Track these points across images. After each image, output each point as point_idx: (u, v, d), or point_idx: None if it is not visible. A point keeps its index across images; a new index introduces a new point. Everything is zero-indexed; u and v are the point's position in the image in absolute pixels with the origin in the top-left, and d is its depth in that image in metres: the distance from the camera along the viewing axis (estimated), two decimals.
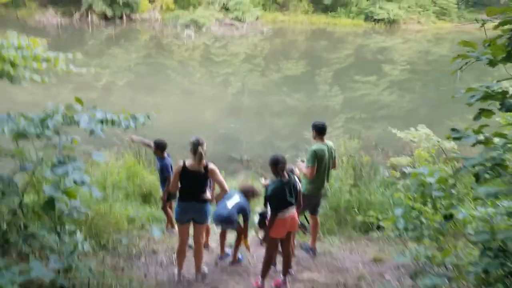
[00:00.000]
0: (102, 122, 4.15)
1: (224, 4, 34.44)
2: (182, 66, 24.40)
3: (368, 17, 38.23)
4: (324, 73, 23.99)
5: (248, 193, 5.82)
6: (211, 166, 5.12)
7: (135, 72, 22.45)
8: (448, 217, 3.53)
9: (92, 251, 5.38)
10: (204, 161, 5.09)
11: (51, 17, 30.74)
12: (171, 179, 5.31)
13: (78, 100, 3.93)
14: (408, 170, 4.23)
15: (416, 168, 3.92)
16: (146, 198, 7.95)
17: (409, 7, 39.29)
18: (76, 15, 31.53)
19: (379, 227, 6.56)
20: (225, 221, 5.54)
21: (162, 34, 31.58)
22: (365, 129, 13.86)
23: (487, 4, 42.26)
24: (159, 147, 6.55)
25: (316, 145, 5.94)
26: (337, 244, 6.54)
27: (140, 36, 31.09)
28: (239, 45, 30.07)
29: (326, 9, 38.66)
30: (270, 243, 5.14)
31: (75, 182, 3.39)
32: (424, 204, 3.68)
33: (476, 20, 2.94)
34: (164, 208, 6.64)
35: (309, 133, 11.19)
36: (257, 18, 34.64)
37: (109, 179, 7.75)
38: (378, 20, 37.73)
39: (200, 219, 5.27)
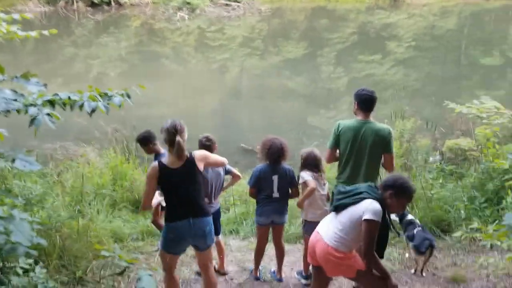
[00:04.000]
0: (51, 103, 2.87)
1: None
2: (177, 53, 23.12)
3: None
4: (326, 53, 22.78)
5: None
6: (198, 153, 3.76)
7: (127, 62, 21.15)
8: None
9: None
10: (185, 154, 3.70)
11: (34, 6, 28.71)
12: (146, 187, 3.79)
13: None
14: None
15: None
16: (138, 205, 6.67)
17: None
18: (61, 3, 29.63)
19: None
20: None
21: (153, 19, 30.02)
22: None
23: None
24: (142, 142, 5.16)
25: (346, 121, 4.43)
26: (397, 258, 5.27)
27: (130, 22, 29.54)
28: (236, 28, 28.67)
29: None
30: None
31: None
32: None
33: None
34: (155, 222, 5.31)
35: (314, 118, 9.64)
36: None
37: (88, 184, 6.39)
38: None
39: (203, 244, 3.88)
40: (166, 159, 3.79)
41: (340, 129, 4.37)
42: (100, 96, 3.08)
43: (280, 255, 4.86)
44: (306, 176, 4.56)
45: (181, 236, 3.75)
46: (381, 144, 4.28)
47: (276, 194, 4.62)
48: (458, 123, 8.15)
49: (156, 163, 3.79)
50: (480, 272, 4.87)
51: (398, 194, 3.33)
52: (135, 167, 7.51)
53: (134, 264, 4.07)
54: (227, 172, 4.86)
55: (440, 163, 6.94)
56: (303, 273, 4.86)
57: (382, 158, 4.41)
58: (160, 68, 19.84)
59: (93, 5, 30.11)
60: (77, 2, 29.88)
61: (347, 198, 3.39)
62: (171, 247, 3.83)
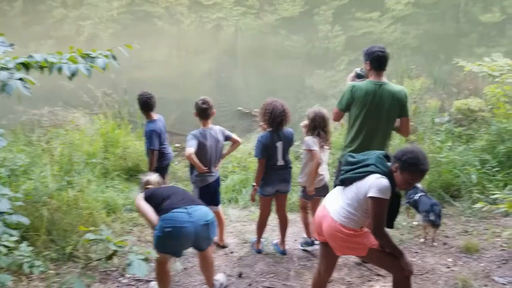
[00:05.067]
0: (25, 66, 2.52)
1: None
2: (169, 13, 22.34)
3: None
4: (323, 11, 22.01)
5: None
6: None
7: (119, 23, 20.42)
8: None
9: (53, 266, 3.94)
10: None
11: None
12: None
13: None
14: None
15: None
16: (132, 173, 6.39)
17: None
18: None
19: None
20: None
21: None
22: None
23: None
24: (143, 105, 4.93)
25: (360, 83, 3.97)
26: (406, 226, 5.01)
27: None
28: None
29: None
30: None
31: None
32: None
33: None
34: None
35: (312, 79, 9.25)
36: None
37: (78, 152, 6.06)
38: None
39: (206, 240, 3.58)
40: None
41: (354, 92, 3.96)
42: (82, 57, 2.77)
43: (283, 225, 4.61)
44: (312, 144, 4.29)
45: (179, 225, 3.36)
46: (399, 107, 3.96)
47: (280, 162, 4.36)
48: (466, 82, 7.78)
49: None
50: (494, 241, 4.65)
51: (402, 169, 2.97)
52: (128, 133, 7.18)
53: (127, 235, 3.80)
54: (226, 138, 4.57)
55: (448, 124, 6.62)
56: (307, 239, 4.64)
57: (396, 122, 4.08)
58: (153, 29, 19.20)
59: None
60: None
61: (353, 171, 3.09)
62: (169, 246, 3.45)
